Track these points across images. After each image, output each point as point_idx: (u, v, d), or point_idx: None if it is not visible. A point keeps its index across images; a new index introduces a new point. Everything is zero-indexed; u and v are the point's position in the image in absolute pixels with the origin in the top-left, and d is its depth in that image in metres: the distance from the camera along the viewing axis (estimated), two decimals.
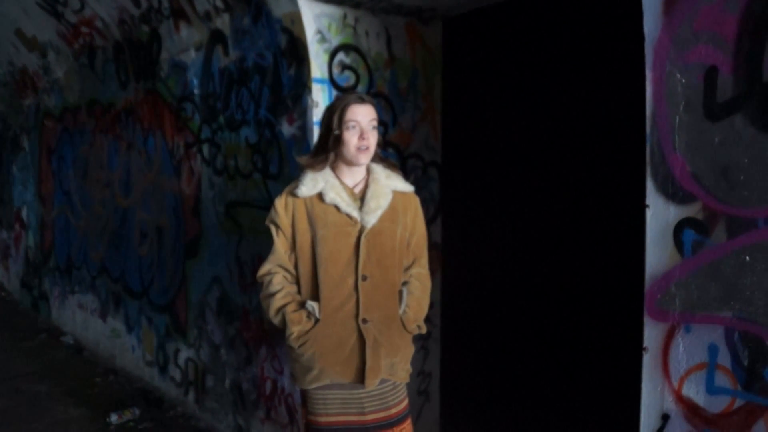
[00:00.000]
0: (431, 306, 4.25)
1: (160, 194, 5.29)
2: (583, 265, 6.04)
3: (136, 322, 5.79)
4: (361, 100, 2.54)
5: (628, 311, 3.30)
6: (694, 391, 2.17)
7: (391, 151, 3.94)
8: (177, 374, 5.11)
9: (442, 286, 4.31)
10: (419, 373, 4.18)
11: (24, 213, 8.99)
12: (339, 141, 2.51)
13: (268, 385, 4.07)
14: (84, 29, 5.91)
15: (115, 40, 5.65)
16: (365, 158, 2.53)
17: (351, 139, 2.48)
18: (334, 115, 2.51)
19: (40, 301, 8.32)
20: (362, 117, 2.49)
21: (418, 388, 4.21)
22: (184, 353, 5.01)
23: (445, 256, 4.34)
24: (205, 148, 4.62)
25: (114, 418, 4.77)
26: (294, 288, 2.61)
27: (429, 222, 4.19)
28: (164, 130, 5.16)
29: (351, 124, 2.48)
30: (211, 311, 4.63)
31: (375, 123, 2.53)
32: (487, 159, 5.43)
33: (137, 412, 4.90)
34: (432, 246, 4.24)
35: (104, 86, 6.16)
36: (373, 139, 2.52)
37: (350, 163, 2.55)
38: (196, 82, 4.67)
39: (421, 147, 4.12)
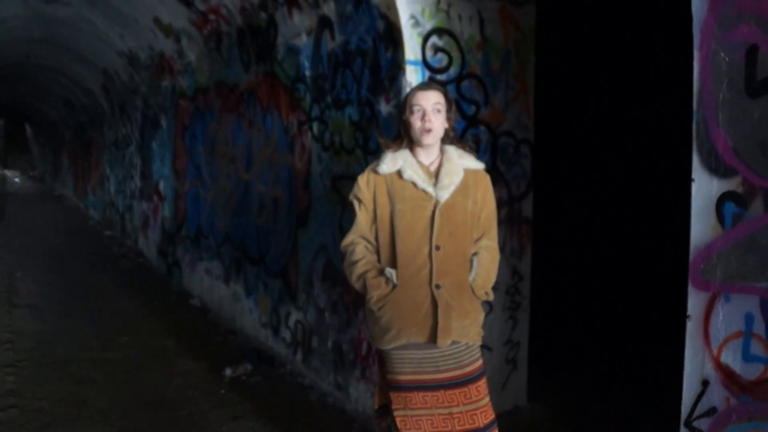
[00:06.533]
0: (521, 278, 4.46)
1: (276, 168, 5.71)
2: (664, 241, 5.99)
3: (254, 287, 6.28)
4: (426, 87, 2.83)
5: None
6: (731, 358, 2.26)
7: (483, 129, 4.13)
8: (287, 335, 5.53)
9: (532, 259, 4.48)
10: (507, 342, 4.37)
11: (161, 186, 9.79)
12: (407, 125, 2.79)
13: (364, 346, 4.38)
14: (211, 16, 6.43)
15: (238, 26, 6.11)
16: (429, 139, 2.77)
17: (415, 122, 2.76)
18: (404, 102, 2.83)
19: (173, 267, 9.07)
20: (425, 101, 2.75)
21: (506, 357, 4.39)
22: (294, 316, 5.42)
23: (536, 231, 4.48)
24: (315, 126, 4.97)
25: (228, 371, 5.23)
26: (374, 257, 2.90)
27: (520, 198, 4.37)
28: (280, 109, 5.57)
29: (415, 108, 2.76)
30: (318, 277, 5.00)
31: (439, 107, 2.77)
32: (580, 137, 5.49)
33: (249, 367, 5.33)
34: (523, 221, 4.42)
35: (229, 69, 6.67)
36: (437, 121, 2.76)
37: (420, 144, 2.81)
38: (307, 64, 5.03)
39: (514, 125, 4.28)
